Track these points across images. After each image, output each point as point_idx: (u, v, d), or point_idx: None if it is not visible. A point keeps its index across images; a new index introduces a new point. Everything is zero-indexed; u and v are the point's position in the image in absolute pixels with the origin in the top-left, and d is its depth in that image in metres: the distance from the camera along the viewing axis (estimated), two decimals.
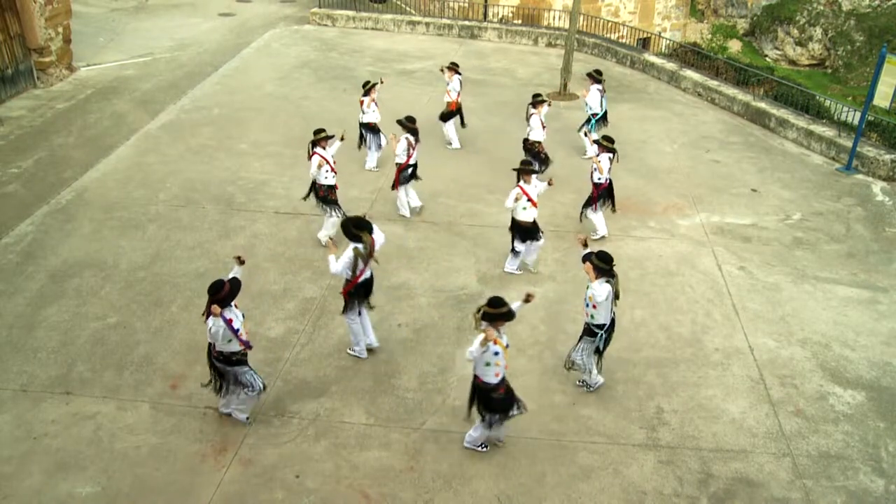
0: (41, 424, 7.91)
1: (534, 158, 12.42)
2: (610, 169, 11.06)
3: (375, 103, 13.07)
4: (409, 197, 12.01)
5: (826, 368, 9.03)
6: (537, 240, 10.31)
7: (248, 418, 7.94)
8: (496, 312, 7.02)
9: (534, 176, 10.16)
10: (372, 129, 13.21)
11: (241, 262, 7.87)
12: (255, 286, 10.20)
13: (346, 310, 8.68)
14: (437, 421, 8.09)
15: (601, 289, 7.78)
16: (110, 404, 8.20)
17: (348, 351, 9.08)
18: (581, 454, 7.68)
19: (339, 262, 8.24)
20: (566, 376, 8.70)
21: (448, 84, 14.13)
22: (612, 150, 11.08)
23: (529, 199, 9.94)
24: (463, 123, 14.49)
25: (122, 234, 11.38)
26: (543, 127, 12.56)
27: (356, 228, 8.23)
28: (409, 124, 11.58)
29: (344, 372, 8.77)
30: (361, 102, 13.13)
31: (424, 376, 8.73)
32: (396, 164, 11.61)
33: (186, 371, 8.62)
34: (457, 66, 14.30)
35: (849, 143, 14.34)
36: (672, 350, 9.25)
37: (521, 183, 9.96)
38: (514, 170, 10.21)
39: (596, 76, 13.88)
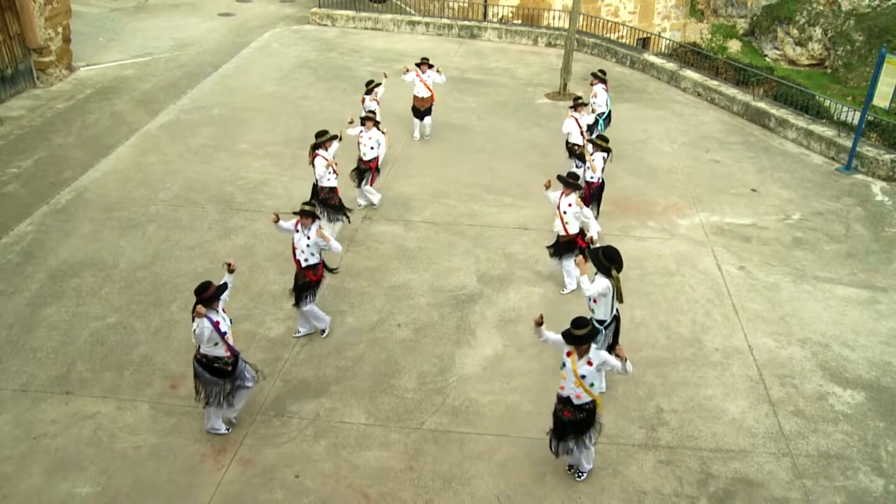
0: (41, 424, 7.91)
1: (577, 158, 12.35)
2: (603, 168, 11.06)
3: (377, 102, 13.08)
4: (365, 193, 12.20)
5: (826, 368, 9.04)
6: (563, 259, 10.06)
7: (218, 430, 7.84)
8: (573, 334, 6.71)
9: (573, 196, 9.77)
10: None
11: (230, 269, 7.77)
12: (255, 286, 10.21)
13: (314, 296, 9.06)
14: (437, 421, 8.09)
15: (593, 284, 7.79)
16: (110, 404, 8.20)
17: (298, 333, 9.31)
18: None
19: (334, 241, 8.82)
20: None
21: (427, 78, 14.33)
22: (607, 150, 11.08)
23: (558, 208, 9.86)
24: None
25: (121, 234, 11.38)
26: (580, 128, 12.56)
27: (312, 206, 8.86)
28: (377, 120, 11.97)
29: (343, 372, 8.77)
30: (363, 101, 13.14)
31: (424, 376, 8.73)
32: (370, 160, 11.74)
33: (186, 371, 8.58)
34: (427, 60, 14.57)
35: (848, 143, 14.34)
36: (672, 350, 9.25)
37: (562, 192, 9.86)
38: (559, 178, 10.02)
39: (601, 75, 13.93)
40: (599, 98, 13.75)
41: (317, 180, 10.72)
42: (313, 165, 10.59)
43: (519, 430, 7.96)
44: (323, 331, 9.32)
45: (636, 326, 9.55)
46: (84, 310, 9.70)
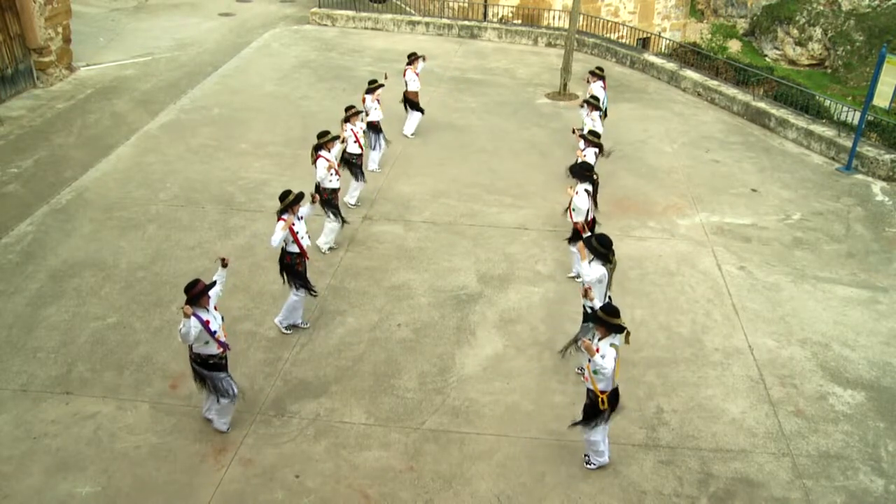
0: (41, 424, 7.91)
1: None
2: (595, 163, 11.06)
3: (378, 101, 13.00)
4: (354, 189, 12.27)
5: (826, 368, 9.04)
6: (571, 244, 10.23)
7: (227, 427, 7.86)
8: (596, 311, 7.01)
9: (581, 186, 9.86)
10: (374, 128, 13.13)
11: (224, 264, 7.76)
12: (255, 286, 10.21)
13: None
14: (437, 421, 8.09)
15: (591, 269, 7.86)
16: (110, 404, 8.20)
17: (285, 330, 9.38)
18: (581, 454, 7.68)
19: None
20: (566, 376, 8.71)
21: (419, 70, 14.46)
22: (599, 146, 11.10)
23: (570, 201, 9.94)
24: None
25: (122, 234, 11.38)
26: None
27: (288, 192, 9.03)
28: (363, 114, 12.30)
29: (344, 372, 8.77)
30: (364, 100, 13.02)
31: (424, 376, 8.73)
32: (358, 154, 11.84)
33: (186, 371, 8.56)
34: (415, 53, 14.67)
35: (849, 143, 14.34)
36: (672, 350, 9.25)
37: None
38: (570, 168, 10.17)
39: (598, 73, 13.95)
40: (599, 95, 13.76)
41: (319, 182, 10.71)
42: (316, 167, 10.57)
43: (519, 430, 7.96)
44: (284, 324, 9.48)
45: (636, 326, 9.55)
46: (84, 310, 9.70)
